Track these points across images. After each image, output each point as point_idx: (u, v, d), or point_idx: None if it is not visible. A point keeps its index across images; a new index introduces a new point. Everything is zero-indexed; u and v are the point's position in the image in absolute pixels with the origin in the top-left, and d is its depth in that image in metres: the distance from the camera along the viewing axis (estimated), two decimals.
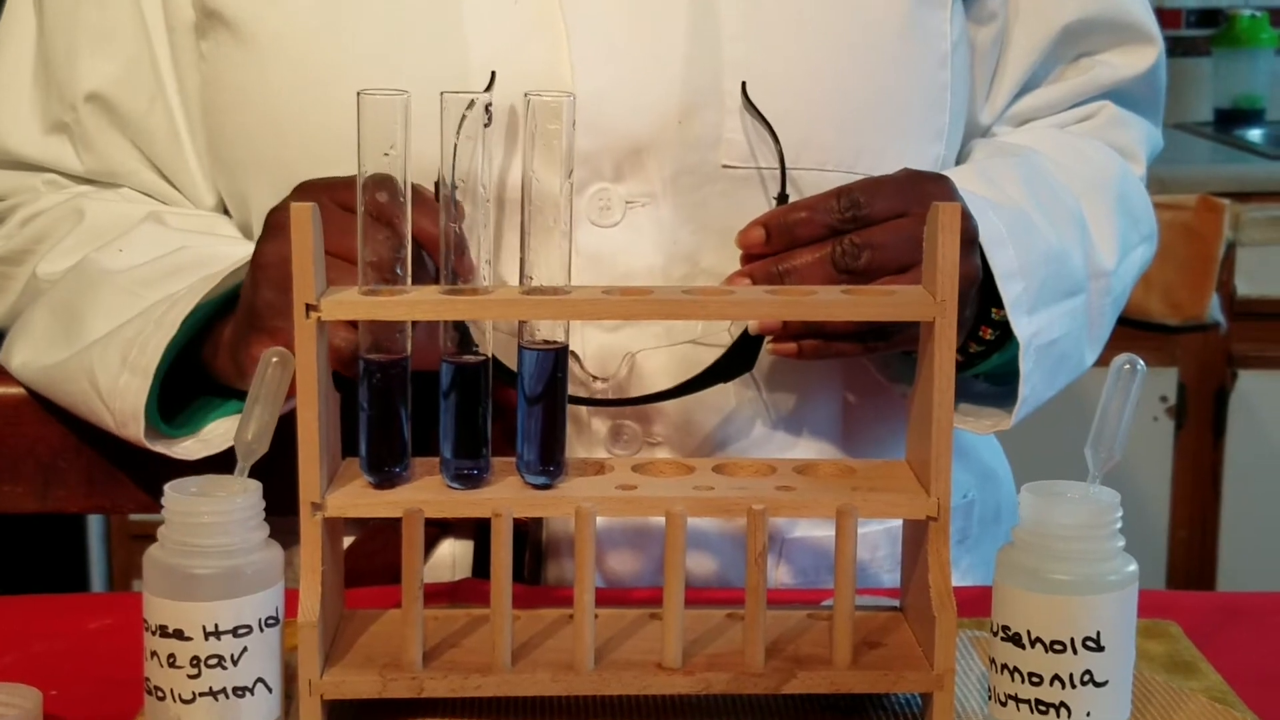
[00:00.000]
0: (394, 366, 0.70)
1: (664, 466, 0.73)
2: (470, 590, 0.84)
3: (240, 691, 0.65)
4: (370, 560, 0.87)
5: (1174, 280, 2.10)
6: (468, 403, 0.70)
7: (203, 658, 0.64)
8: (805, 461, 0.74)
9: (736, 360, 0.84)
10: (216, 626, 0.64)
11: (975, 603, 0.80)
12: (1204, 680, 0.74)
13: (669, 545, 0.68)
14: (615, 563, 0.90)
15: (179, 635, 0.64)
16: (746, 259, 0.81)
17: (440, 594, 0.83)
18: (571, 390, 0.77)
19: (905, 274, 0.78)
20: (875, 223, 0.79)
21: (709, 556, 0.90)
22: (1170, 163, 2.25)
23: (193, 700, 0.64)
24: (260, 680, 0.65)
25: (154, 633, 0.65)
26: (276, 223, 0.79)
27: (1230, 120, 2.53)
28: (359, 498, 0.69)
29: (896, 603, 0.75)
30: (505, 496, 0.69)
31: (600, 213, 0.85)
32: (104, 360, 0.84)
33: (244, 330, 0.80)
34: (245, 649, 0.65)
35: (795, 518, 0.89)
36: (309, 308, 0.66)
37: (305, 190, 0.79)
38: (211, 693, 0.65)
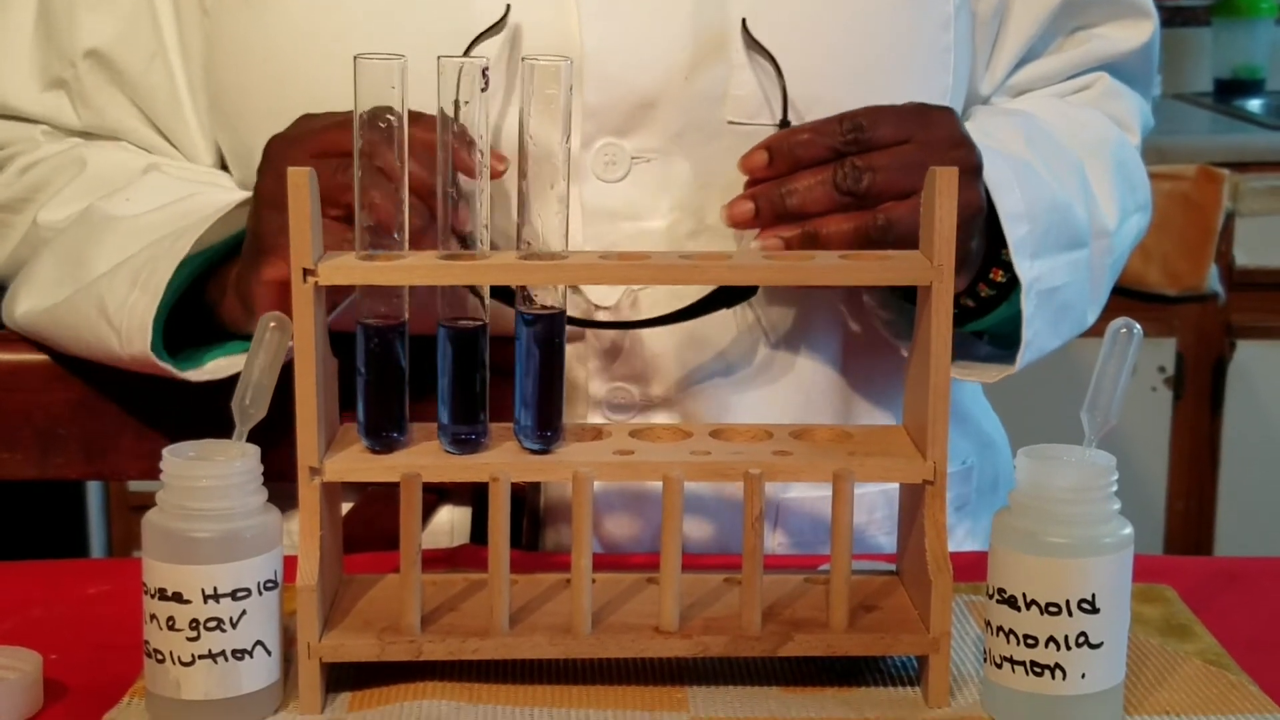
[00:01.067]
0: (392, 331, 0.70)
1: (661, 432, 0.73)
2: (468, 556, 0.85)
3: (239, 654, 0.65)
4: (368, 527, 0.87)
5: (1172, 250, 2.10)
6: (465, 368, 0.70)
7: (201, 621, 0.64)
8: (802, 426, 0.74)
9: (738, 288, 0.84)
10: (215, 590, 0.64)
11: (972, 568, 0.80)
12: (1198, 643, 0.74)
13: (666, 509, 0.68)
14: (613, 528, 0.90)
15: (178, 598, 0.64)
16: (750, 183, 0.81)
17: (438, 560, 0.83)
18: (571, 314, 0.78)
19: (906, 200, 0.79)
20: (878, 148, 0.80)
21: (707, 522, 0.91)
22: (1169, 133, 2.25)
23: (192, 663, 0.65)
24: (259, 643, 0.66)
25: (153, 596, 0.65)
26: (276, 152, 0.79)
27: (1230, 90, 2.53)
28: (357, 462, 0.69)
29: (893, 567, 0.76)
30: (503, 461, 0.69)
31: (606, 168, 0.85)
32: (112, 286, 0.84)
33: (251, 257, 0.80)
34: (244, 612, 0.65)
35: (792, 482, 0.89)
36: (306, 272, 0.66)
37: (305, 124, 0.79)
38: (210, 655, 0.65)
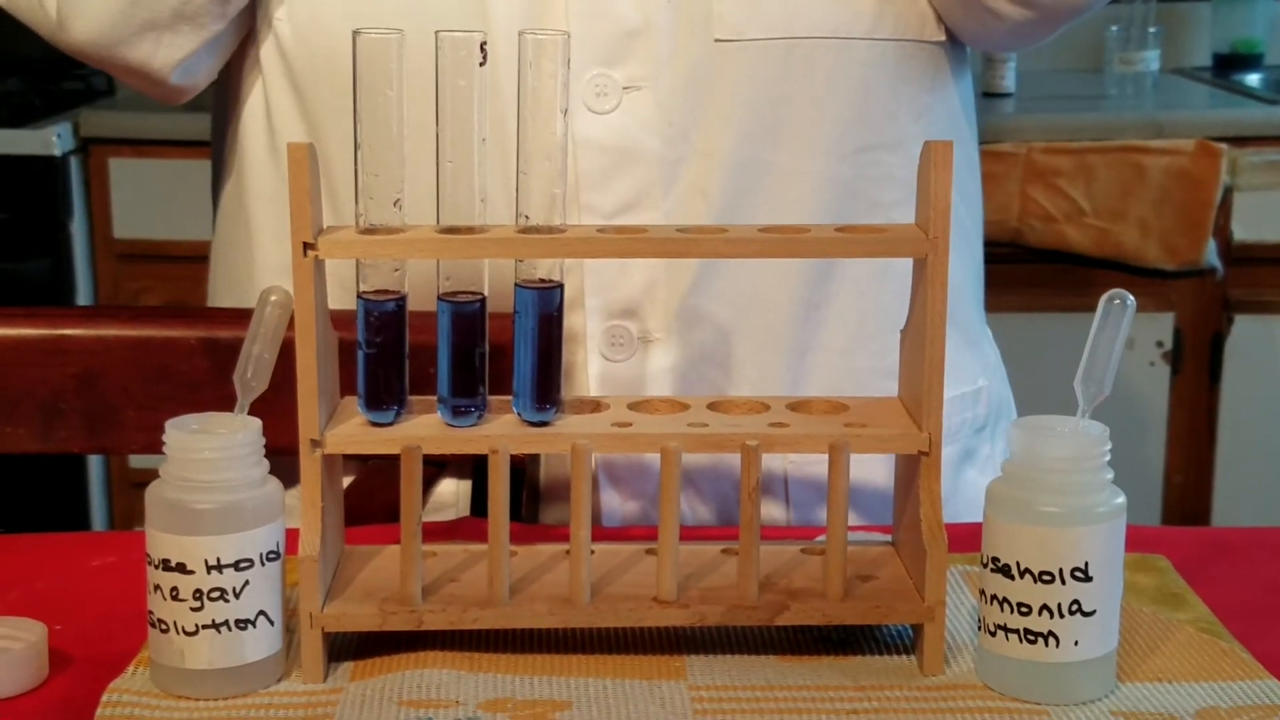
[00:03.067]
0: (392, 304, 0.70)
1: (659, 404, 0.74)
2: (469, 528, 0.85)
3: (242, 624, 0.66)
4: (369, 500, 0.88)
5: (1171, 225, 2.11)
6: (465, 340, 0.71)
7: (205, 591, 0.65)
8: (798, 399, 0.74)
9: None
10: (219, 560, 0.65)
11: (967, 538, 0.81)
12: (1191, 612, 0.75)
13: (664, 481, 0.69)
14: (612, 498, 0.91)
15: (181, 569, 0.65)
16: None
17: (439, 532, 0.84)
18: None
19: None
20: None
21: (705, 495, 0.91)
22: (1168, 107, 2.25)
23: (195, 632, 0.66)
24: (262, 613, 0.67)
25: (157, 566, 0.66)
26: None
27: (1229, 65, 2.53)
28: (357, 435, 0.70)
29: (889, 538, 0.76)
30: (502, 433, 0.70)
31: (597, 99, 0.85)
32: None
33: None
34: (247, 582, 0.66)
35: (788, 453, 0.90)
36: (306, 246, 0.67)
37: None
38: (214, 625, 0.66)
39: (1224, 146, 2.08)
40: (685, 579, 0.71)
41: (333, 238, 0.68)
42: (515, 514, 0.88)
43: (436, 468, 0.91)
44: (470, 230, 0.69)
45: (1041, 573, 0.65)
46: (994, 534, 0.67)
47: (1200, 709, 0.66)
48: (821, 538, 0.73)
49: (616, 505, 0.91)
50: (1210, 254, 2.12)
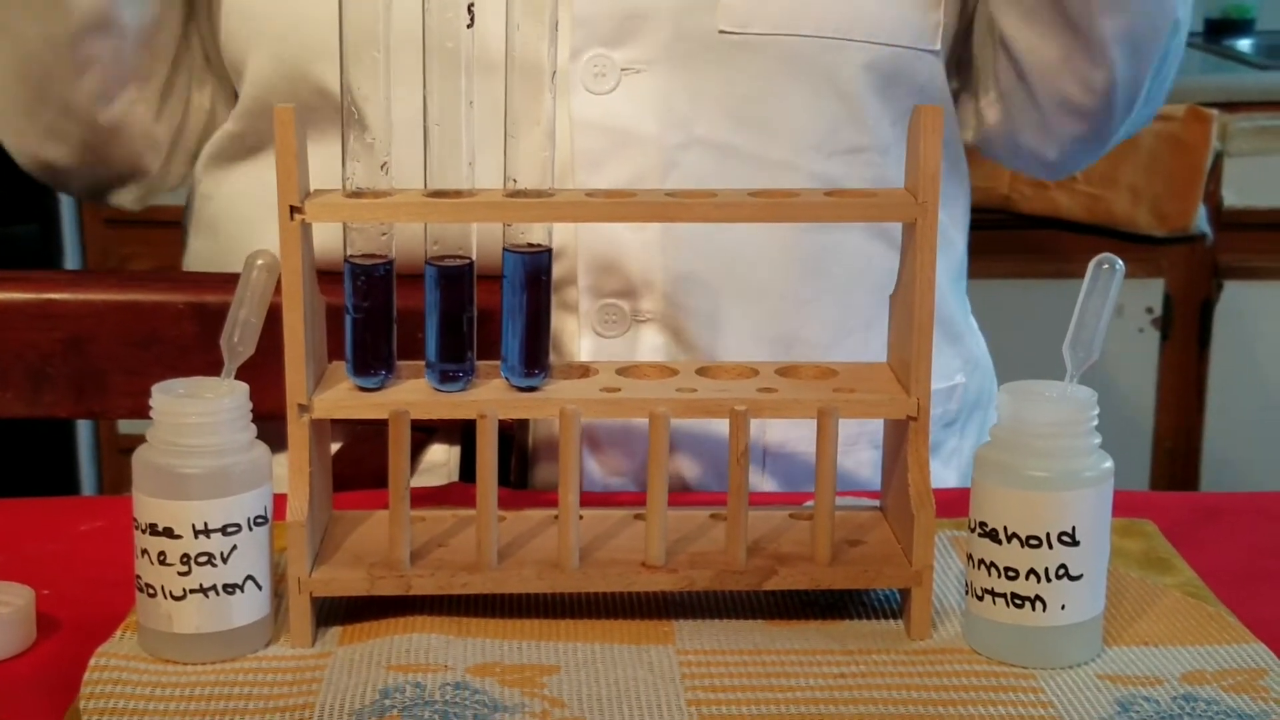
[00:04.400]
0: (379, 269, 0.70)
1: (648, 369, 0.74)
2: (457, 494, 0.85)
3: (230, 589, 0.66)
4: (357, 467, 0.88)
5: (1161, 191, 2.10)
6: (452, 305, 0.70)
7: (193, 555, 0.65)
8: (787, 364, 0.74)
9: None
10: (206, 525, 0.65)
11: (955, 503, 0.81)
12: (1178, 576, 0.75)
13: (653, 446, 0.69)
14: (601, 465, 0.91)
15: (169, 533, 0.65)
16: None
17: (427, 498, 0.84)
18: None
19: None
20: None
21: (695, 461, 0.91)
22: None
23: (183, 597, 0.66)
24: (250, 578, 0.67)
25: (144, 531, 0.66)
26: None
27: (1220, 30, 2.52)
28: (345, 399, 0.70)
29: (877, 503, 0.77)
30: (490, 398, 0.70)
31: (596, 79, 0.85)
32: None
33: None
34: (234, 547, 0.66)
35: (777, 418, 0.90)
36: (293, 209, 0.67)
37: None
38: (202, 589, 0.66)
39: (1214, 112, 2.08)
40: (673, 544, 0.71)
41: (319, 201, 0.68)
42: (504, 477, 0.88)
43: (425, 433, 0.91)
44: (458, 194, 0.69)
45: (1028, 537, 0.65)
46: (981, 498, 0.67)
47: (1186, 672, 0.66)
48: (809, 503, 0.73)
49: (604, 469, 0.91)
50: (1200, 220, 2.12)
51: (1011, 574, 0.66)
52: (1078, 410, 0.66)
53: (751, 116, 0.87)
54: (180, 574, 0.65)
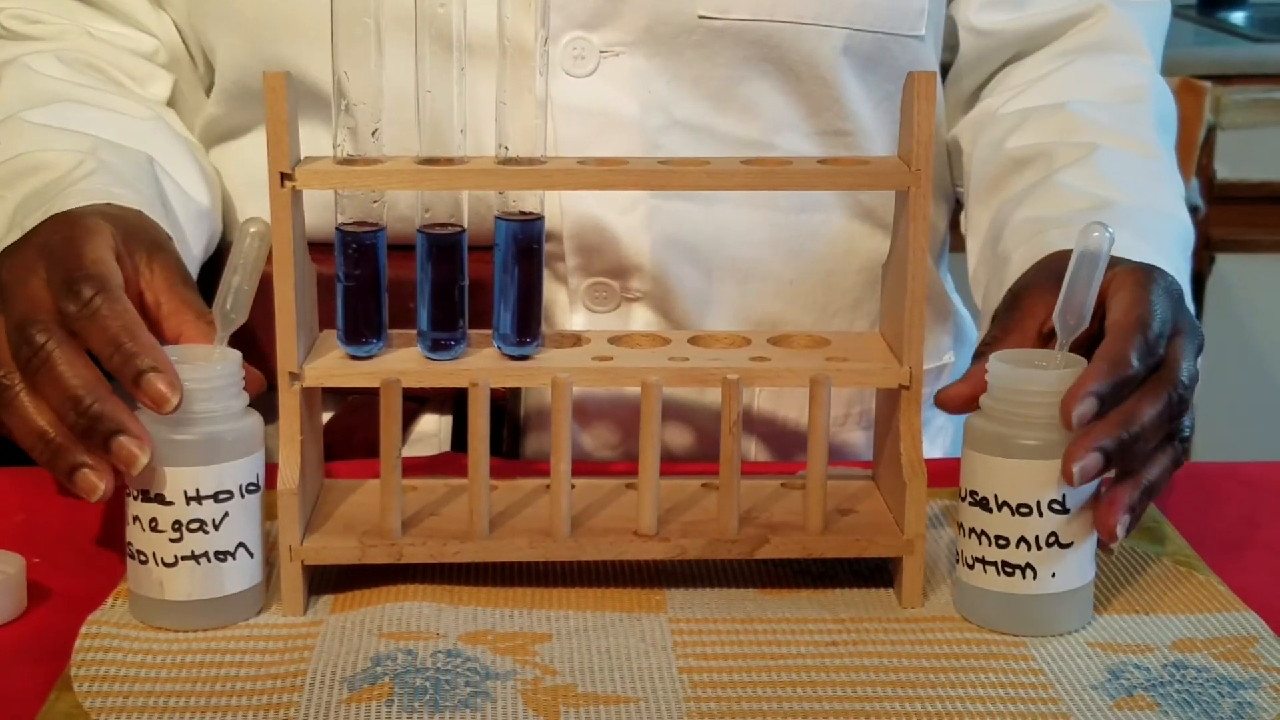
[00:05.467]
0: (370, 237, 0.70)
1: (640, 339, 0.73)
2: (449, 464, 0.85)
3: (222, 556, 0.66)
4: (348, 436, 0.88)
5: None
6: (444, 273, 0.70)
7: (184, 522, 0.65)
8: (780, 333, 0.74)
9: None
10: (198, 491, 0.65)
11: (946, 474, 0.81)
12: (1168, 545, 0.75)
13: (644, 415, 0.69)
14: (593, 437, 0.91)
15: (160, 500, 0.65)
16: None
17: (419, 467, 0.84)
18: None
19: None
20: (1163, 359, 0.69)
21: (685, 429, 0.91)
22: None
23: (175, 564, 0.65)
24: (242, 545, 0.66)
25: (135, 497, 0.66)
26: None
27: (1214, 3, 2.52)
28: (337, 368, 0.70)
29: (869, 473, 0.77)
30: (482, 367, 0.70)
31: (575, 62, 0.85)
32: None
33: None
34: (226, 514, 0.66)
35: (769, 387, 0.90)
36: (284, 177, 0.66)
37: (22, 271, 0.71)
38: (193, 556, 0.65)
39: (1207, 85, 2.07)
40: (665, 513, 0.71)
41: (310, 168, 0.67)
42: (496, 447, 0.88)
43: (417, 404, 0.91)
44: (450, 161, 0.69)
45: (1019, 505, 0.65)
46: (972, 467, 0.67)
47: (1176, 640, 0.67)
48: (802, 472, 0.73)
49: (596, 439, 0.91)
50: (1193, 192, 2.11)
51: (1002, 542, 0.66)
52: (1067, 379, 0.66)
53: (731, 99, 0.87)
54: (172, 540, 0.65)
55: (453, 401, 0.91)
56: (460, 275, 0.71)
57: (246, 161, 0.90)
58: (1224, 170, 2.14)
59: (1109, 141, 0.90)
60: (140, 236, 0.73)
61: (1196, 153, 2.09)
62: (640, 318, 0.89)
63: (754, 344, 0.73)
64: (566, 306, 0.88)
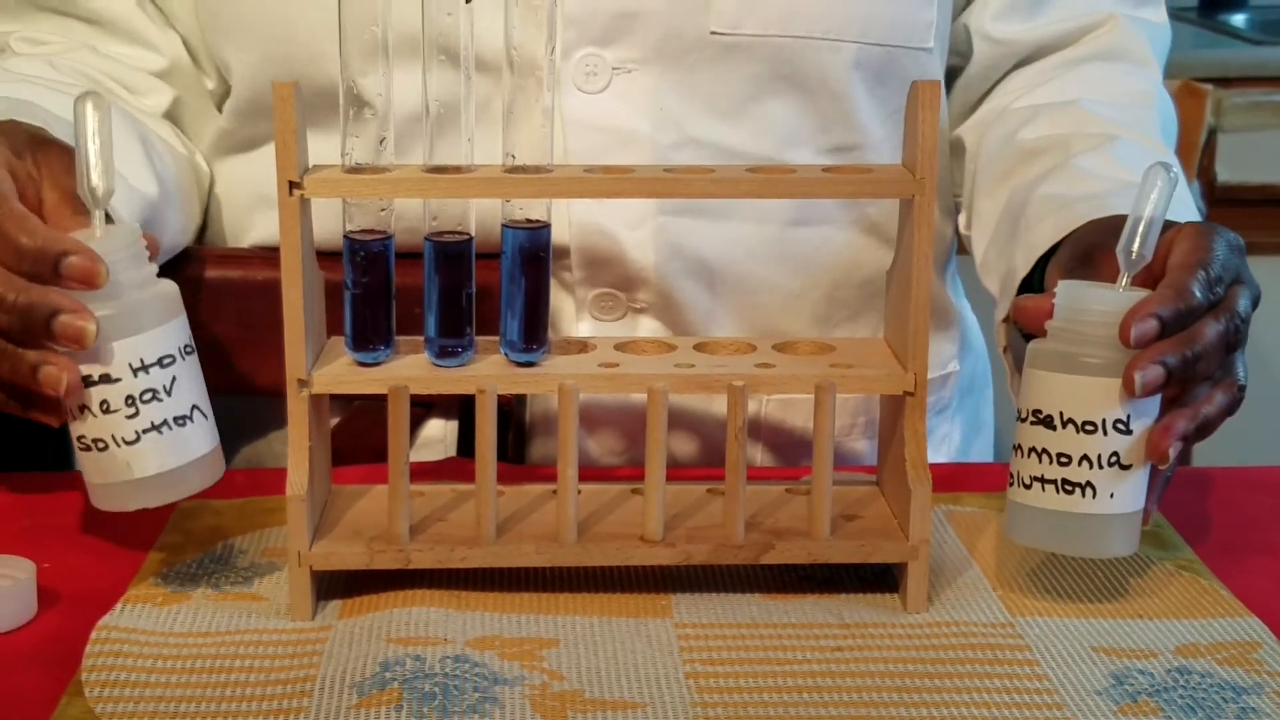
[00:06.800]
0: (378, 245, 0.70)
1: (646, 345, 0.74)
2: (456, 469, 0.86)
3: (180, 420, 0.66)
4: (356, 441, 0.88)
5: None
6: (451, 280, 0.71)
7: (137, 395, 0.65)
8: (785, 340, 0.75)
9: None
10: (142, 361, 0.65)
11: (950, 479, 0.82)
12: (1172, 550, 0.76)
13: (650, 421, 0.69)
14: (598, 443, 0.91)
15: (107, 380, 0.65)
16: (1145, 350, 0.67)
17: (426, 473, 0.84)
18: None
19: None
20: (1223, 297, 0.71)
21: (690, 436, 0.92)
22: None
23: (137, 440, 0.66)
24: (195, 407, 0.67)
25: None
26: None
27: (1214, 5, 2.52)
28: (345, 375, 0.70)
29: (874, 478, 0.77)
30: (489, 374, 0.70)
31: (587, 78, 0.85)
32: None
33: None
34: (174, 378, 0.66)
35: (774, 394, 0.90)
36: (292, 185, 0.67)
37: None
38: (154, 427, 0.66)
39: (1209, 87, 2.07)
40: (671, 518, 0.72)
41: (318, 177, 0.68)
42: (502, 452, 0.88)
43: (423, 409, 0.91)
44: (457, 170, 0.69)
45: (1084, 423, 0.66)
46: (1036, 386, 0.67)
47: (1180, 645, 0.67)
48: (806, 478, 0.74)
49: (602, 445, 0.91)
50: (1194, 195, 2.12)
51: (1064, 460, 0.66)
52: (1133, 299, 0.66)
53: (743, 116, 0.87)
54: (129, 417, 0.65)
55: (458, 406, 0.91)
56: (467, 282, 0.71)
57: (257, 174, 0.91)
58: (1224, 173, 2.14)
59: (1125, 134, 0.90)
60: (24, 139, 0.73)
61: (1197, 156, 2.09)
62: (646, 327, 0.89)
63: (759, 351, 0.73)
64: (573, 315, 0.89)
